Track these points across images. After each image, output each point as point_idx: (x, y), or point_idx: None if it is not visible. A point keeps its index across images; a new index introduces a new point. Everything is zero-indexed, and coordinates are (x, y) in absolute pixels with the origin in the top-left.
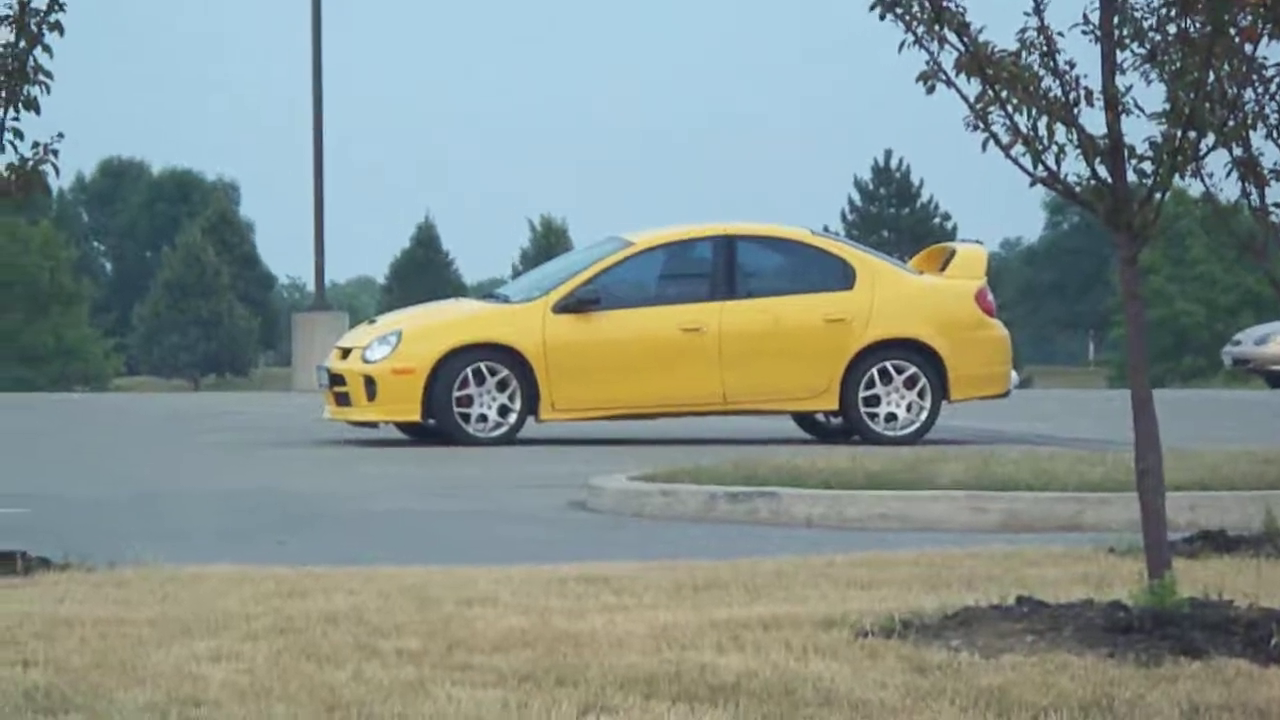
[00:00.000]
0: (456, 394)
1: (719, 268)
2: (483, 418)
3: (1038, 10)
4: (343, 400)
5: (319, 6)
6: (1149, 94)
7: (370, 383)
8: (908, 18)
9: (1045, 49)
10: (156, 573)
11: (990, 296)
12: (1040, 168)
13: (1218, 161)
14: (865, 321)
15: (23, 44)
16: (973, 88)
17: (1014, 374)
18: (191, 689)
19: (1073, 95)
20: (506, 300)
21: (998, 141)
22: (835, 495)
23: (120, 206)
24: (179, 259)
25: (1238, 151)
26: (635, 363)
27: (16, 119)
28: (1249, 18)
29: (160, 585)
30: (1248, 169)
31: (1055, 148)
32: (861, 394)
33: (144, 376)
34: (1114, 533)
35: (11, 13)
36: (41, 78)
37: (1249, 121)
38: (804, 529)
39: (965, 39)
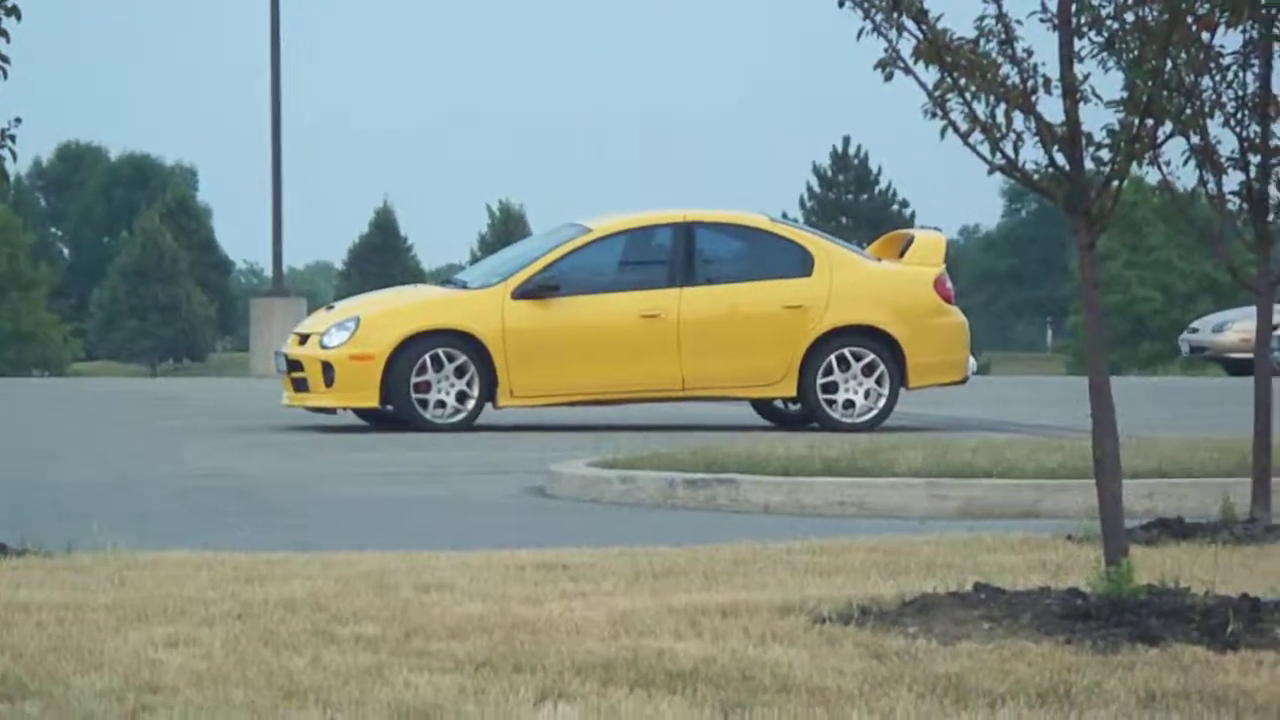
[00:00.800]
0: (415, 380)
1: (678, 254)
2: (441, 404)
3: None
4: (300, 386)
5: None
6: (1107, 82)
7: (328, 368)
8: (866, 5)
9: (1003, 37)
10: (114, 558)
11: (949, 283)
12: (998, 155)
13: (1175, 149)
14: (823, 308)
15: None
16: (931, 75)
17: (972, 361)
18: (149, 675)
19: (1031, 83)
20: (465, 286)
21: (956, 129)
22: (794, 482)
23: (78, 191)
24: (137, 244)
25: (1195, 139)
26: (594, 349)
27: None
28: (1206, 6)
29: (118, 571)
30: (1205, 156)
31: (1013, 135)
32: (820, 381)
33: (102, 361)
34: (1072, 520)
35: None
36: None
37: (1206, 109)
38: (762, 516)
39: (923, 26)
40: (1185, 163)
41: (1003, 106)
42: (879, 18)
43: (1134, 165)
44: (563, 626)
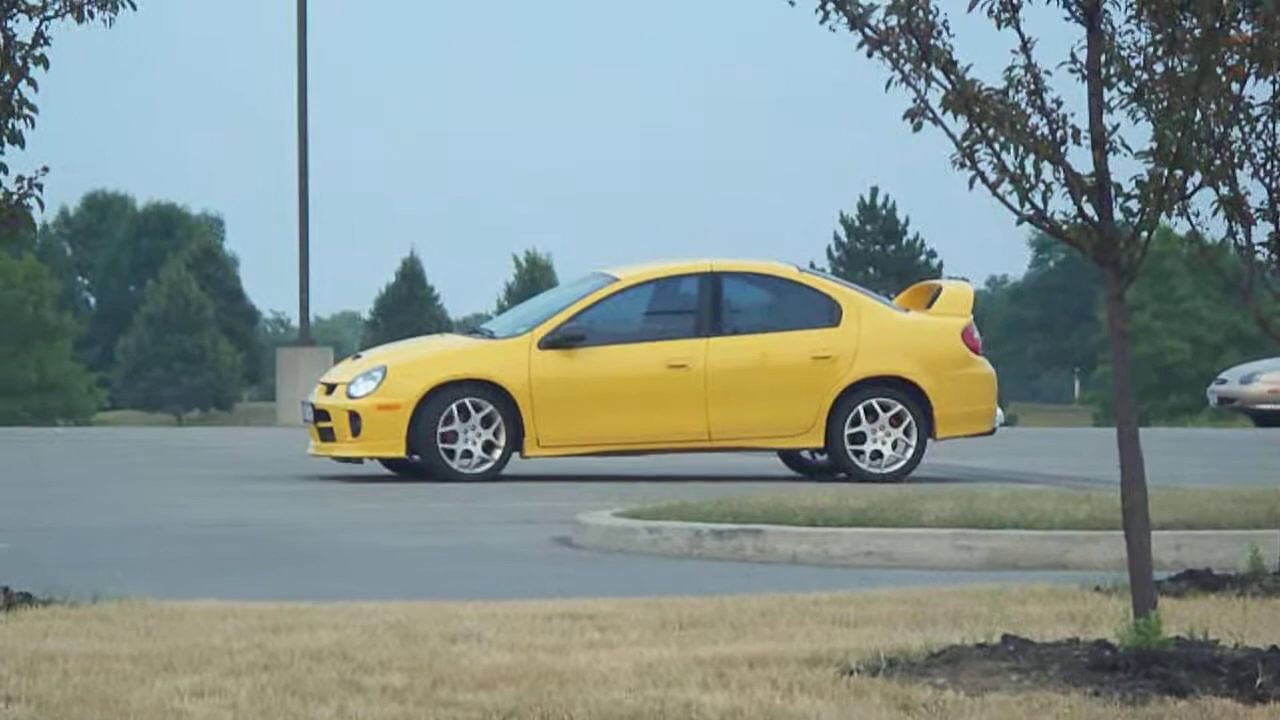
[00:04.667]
0: (441, 430)
1: (705, 304)
2: (467, 454)
3: (1025, 49)
4: (327, 435)
5: (304, 42)
6: (1136, 132)
7: (355, 418)
8: (895, 55)
9: (1032, 87)
10: (140, 607)
11: (976, 334)
12: (1027, 205)
13: (1204, 200)
14: (851, 358)
15: (7, 78)
16: (960, 125)
17: (999, 412)
18: None
19: (1060, 133)
20: (491, 336)
21: (984, 179)
22: (820, 533)
23: (104, 240)
24: (163, 293)
25: (1224, 190)
26: (620, 399)
27: (0, 153)
28: (1236, 57)
29: (143, 620)
30: (1234, 208)
31: (1042, 186)
32: (847, 431)
33: (127, 411)
34: (1100, 571)
35: None
36: (26, 111)
37: (1235, 160)
38: (789, 566)
39: (952, 77)
40: (1214, 213)
41: (1031, 157)
42: (908, 68)
43: (1163, 216)
44: (589, 677)
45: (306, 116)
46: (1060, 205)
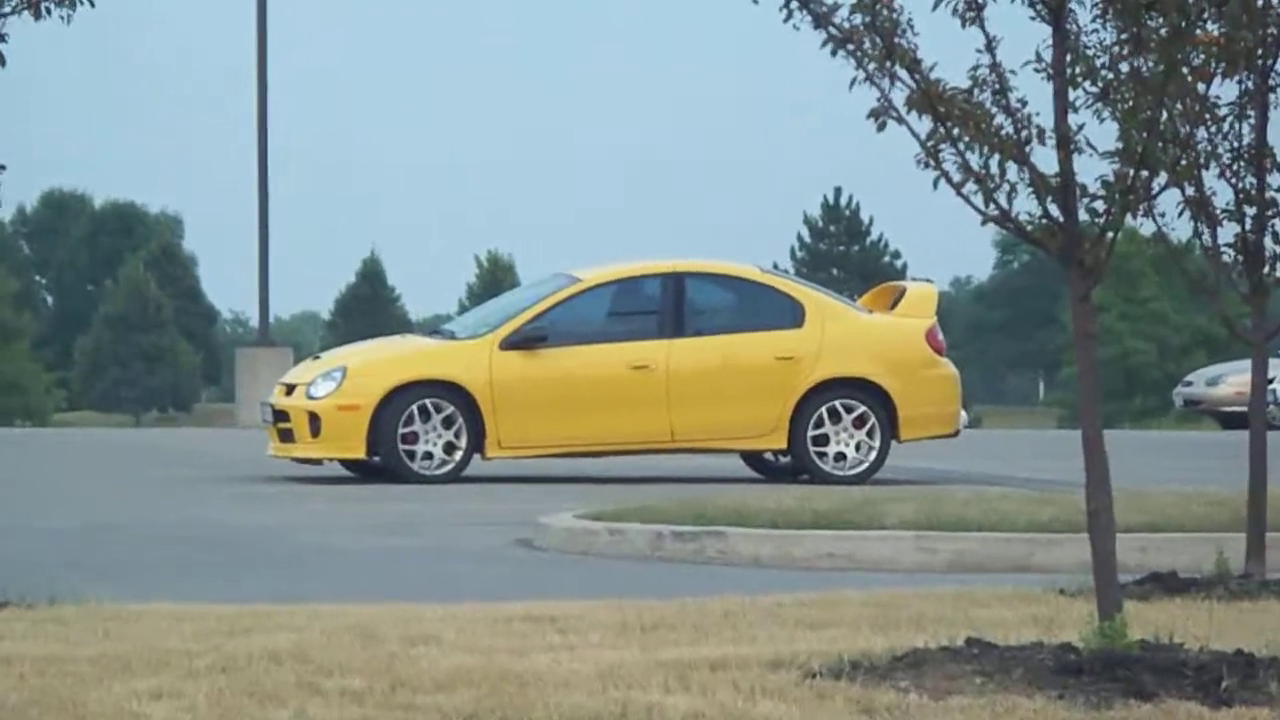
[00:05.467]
0: (402, 431)
1: (668, 305)
2: (428, 455)
3: (990, 48)
4: (287, 436)
5: (264, 40)
6: (1101, 132)
7: (315, 419)
8: (859, 54)
9: (997, 87)
10: (98, 610)
11: (940, 335)
12: (992, 206)
13: (1170, 201)
14: (814, 360)
15: None
16: (924, 125)
17: (963, 414)
18: None
19: (1025, 133)
20: (453, 337)
21: (949, 179)
22: (783, 535)
23: (62, 239)
24: (121, 293)
25: (1190, 191)
26: (583, 400)
27: None
28: (1202, 57)
29: (101, 622)
30: (1199, 208)
31: (1007, 186)
32: (810, 433)
33: (85, 411)
34: (1064, 574)
35: None
36: None
37: (1201, 161)
38: (752, 568)
39: (917, 76)
40: (1180, 214)
41: (996, 157)
42: (872, 67)
43: (1128, 216)
44: (550, 679)
45: (267, 115)
46: (1025, 206)
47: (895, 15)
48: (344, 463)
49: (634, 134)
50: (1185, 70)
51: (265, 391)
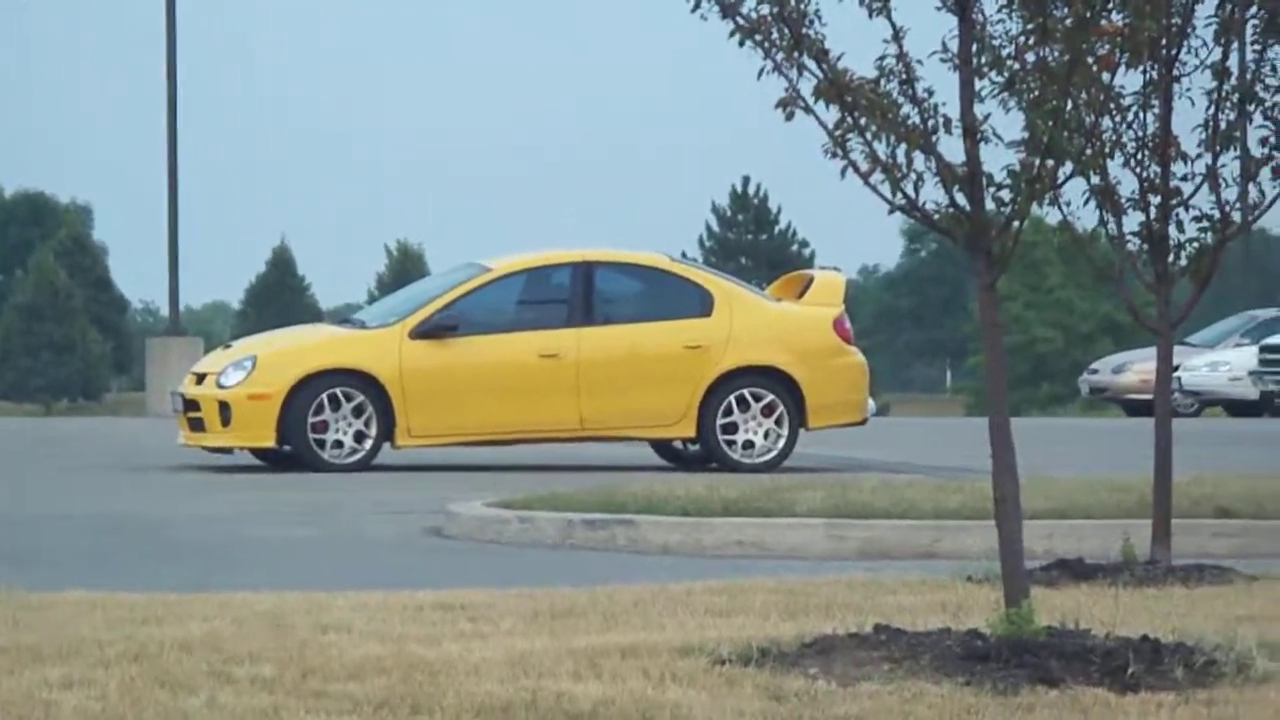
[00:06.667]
0: (312, 420)
1: (577, 294)
2: (338, 444)
3: (897, 38)
4: (197, 426)
5: (173, 26)
6: (1007, 122)
7: (225, 408)
8: (767, 44)
9: (904, 77)
10: (8, 598)
11: (848, 324)
12: (899, 195)
13: (1075, 190)
14: (723, 348)
15: None
16: (832, 115)
17: (871, 402)
18: (43, 716)
19: (931, 123)
20: (363, 326)
21: (856, 169)
22: (693, 523)
23: None
24: (31, 282)
25: (1095, 180)
26: (493, 389)
27: None
28: (1106, 47)
29: (12, 611)
30: (1105, 197)
31: (914, 175)
32: (719, 421)
33: None
34: (972, 561)
35: None
36: None
37: (1106, 150)
38: (661, 556)
39: (824, 66)
40: (1085, 203)
41: (903, 146)
42: (779, 57)
43: (1034, 205)
44: (461, 667)
45: (176, 103)
46: (932, 195)
47: (803, 6)
48: (254, 452)
49: (542, 124)
50: (1090, 60)
51: (176, 381)
